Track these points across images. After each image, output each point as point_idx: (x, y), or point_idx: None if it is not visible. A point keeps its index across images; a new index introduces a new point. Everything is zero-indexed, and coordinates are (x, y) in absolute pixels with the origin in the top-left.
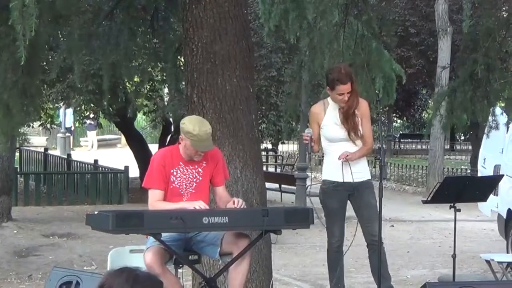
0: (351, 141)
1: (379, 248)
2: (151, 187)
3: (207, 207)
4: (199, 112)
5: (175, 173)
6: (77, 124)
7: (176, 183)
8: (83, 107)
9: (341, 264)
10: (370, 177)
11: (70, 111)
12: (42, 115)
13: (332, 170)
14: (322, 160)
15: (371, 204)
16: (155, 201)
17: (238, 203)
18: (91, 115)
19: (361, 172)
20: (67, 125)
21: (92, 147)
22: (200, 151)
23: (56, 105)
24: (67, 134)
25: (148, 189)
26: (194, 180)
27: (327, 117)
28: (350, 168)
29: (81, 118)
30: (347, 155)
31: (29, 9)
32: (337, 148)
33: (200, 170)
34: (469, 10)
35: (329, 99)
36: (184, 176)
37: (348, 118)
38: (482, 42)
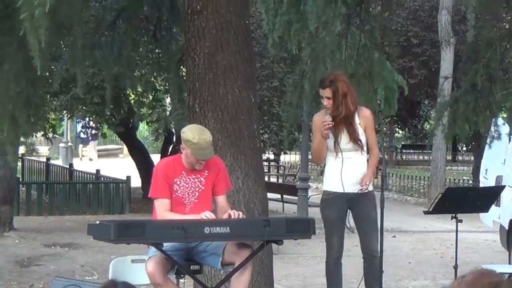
0: (353, 151)
1: (380, 261)
2: (157, 197)
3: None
4: (201, 122)
5: (178, 182)
6: (81, 135)
7: (179, 192)
8: (87, 118)
9: (340, 276)
10: (372, 188)
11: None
12: (46, 125)
13: (332, 180)
14: (323, 170)
15: (370, 216)
16: (164, 211)
17: (234, 215)
18: (93, 126)
19: (358, 183)
20: (82, 136)
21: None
22: (201, 159)
23: (60, 116)
24: (70, 144)
25: (154, 199)
26: (197, 189)
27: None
28: (350, 179)
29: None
30: (366, 182)
31: (38, 20)
32: (336, 158)
33: (202, 179)
34: (473, 20)
35: None
36: (187, 185)
37: (337, 126)
38: (484, 53)
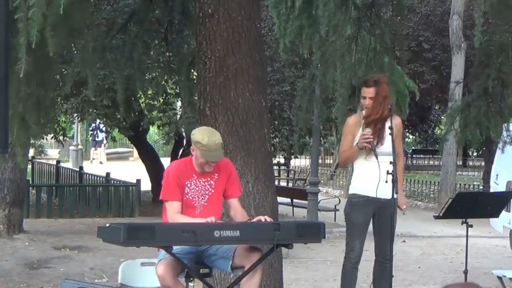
0: (387, 155)
1: (390, 266)
2: (168, 199)
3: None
4: (212, 125)
5: (189, 185)
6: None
7: (189, 195)
8: (98, 121)
9: (355, 281)
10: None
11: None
12: (57, 128)
13: (365, 185)
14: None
15: (392, 224)
16: (175, 213)
17: (264, 220)
18: (104, 129)
19: (387, 190)
20: (99, 139)
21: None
22: (210, 161)
23: (71, 118)
24: (80, 147)
25: (165, 202)
26: (207, 192)
27: (361, 130)
28: (382, 184)
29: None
30: (403, 206)
31: (33, 21)
32: (371, 161)
33: (212, 182)
34: (481, 26)
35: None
36: (197, 188)
37: (369, 125)
38: (496, 58)
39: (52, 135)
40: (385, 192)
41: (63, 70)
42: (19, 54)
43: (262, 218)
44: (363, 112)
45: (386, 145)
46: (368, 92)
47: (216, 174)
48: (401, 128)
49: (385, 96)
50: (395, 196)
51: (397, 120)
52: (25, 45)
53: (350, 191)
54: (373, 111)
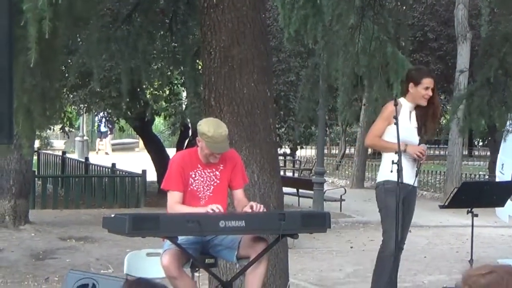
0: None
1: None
2: (170, 189)
3: (222, 210)
4: (217, 116)
5: (193, 176)
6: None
7: (194, 185)
8: (105, 112)
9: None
10: (417, 185)
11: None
12: (64, 119)
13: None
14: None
15: (412, 212)
16: (175, 203)
17: (256, 207)
18: (111, 120)
19: (413, 177)
20: (102, 130)
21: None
22: (216, 153)
23: (78, 109)
24: (86, 138)
25: (167, 191)
26: (212, 183)
27: (401, 117)
28: (409, 171)
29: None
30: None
31: (42, 11)
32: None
33: (217, 173)
34: (487, 15)
35: (402, 99)
36: (202, 179)
37: (429, 118)
38: (500, 47)
39: (59, 126)
40: (410, 179)
41: (69, 61)
42: (30, 44)
43: (254, 205)
44: (402, 100)
45: (414, 133)
46: (432, 83)
47: (222, 165)
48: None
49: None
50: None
51: None
52: (35, 35)
53: (385, 178)
54: (431, 101)
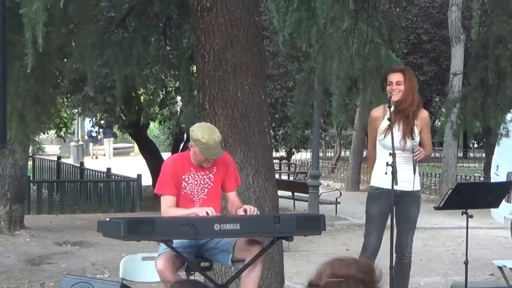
0: (405, 149)
1: (390, 258)
2: (163, 193)
3: (217, 214)
4: (211, 119)
5: (186, 179)
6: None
7: (188, 189)
8: (99, 117)
9: None
10: (418, 188)
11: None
12: (61, 124)
13: (380, 176)
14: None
15: (410, 216)
16: (168, 207)
17: (250, 211)
18: (103, 124)
19: (407, 181)
20: (94, 134)
21: (107, 155)
22: (210, 158)
23: (72, 114)
24: (81, 142)
25: (160, 196)
26: (206, 186)
27: (384, 122)
28: (397, 176)
29: (98, 127)
30: (420, 151)
31: (38, 16)
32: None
33: (211, 176)
34: (479, 18)
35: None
36: (196, 182)
37: (399, 114)
38: (493, 49)
39: (54, 130)
40: (400, 184)
41: (63, 65)
42: (26, 49)
43: (248, 208)
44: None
45: (399, 137)
46: (395, 76)
47: (215, 168)
48: (428, 122)
49: (413, 88)
50: (395, 186)
51: (423, 113)
52: (31, 40)
53: (370, 183)
54: (406, 97)
